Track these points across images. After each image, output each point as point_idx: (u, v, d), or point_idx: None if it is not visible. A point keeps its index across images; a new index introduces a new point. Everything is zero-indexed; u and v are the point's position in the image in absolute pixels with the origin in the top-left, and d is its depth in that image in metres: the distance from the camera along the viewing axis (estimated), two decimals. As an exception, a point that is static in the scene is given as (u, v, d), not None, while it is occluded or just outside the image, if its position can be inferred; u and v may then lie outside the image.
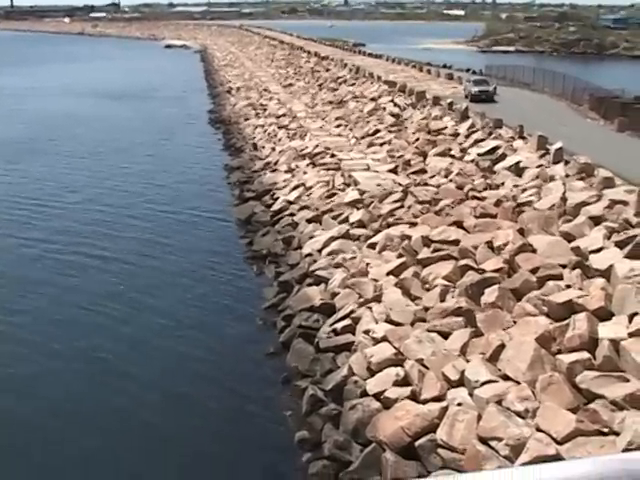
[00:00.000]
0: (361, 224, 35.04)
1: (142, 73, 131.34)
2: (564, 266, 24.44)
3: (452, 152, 43.03)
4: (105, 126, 77.82)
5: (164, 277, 34.48)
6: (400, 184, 38.95)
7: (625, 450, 15.90)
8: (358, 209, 36.87)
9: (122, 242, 39.17)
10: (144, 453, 21.35)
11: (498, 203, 31.88)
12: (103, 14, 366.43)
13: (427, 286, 26.64)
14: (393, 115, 56.94)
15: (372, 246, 32.12)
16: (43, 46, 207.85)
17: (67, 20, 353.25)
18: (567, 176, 33.39)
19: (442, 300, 25.07)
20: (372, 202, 36.95)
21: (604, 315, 21.11)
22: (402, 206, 35.64)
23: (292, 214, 40.33)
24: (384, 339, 23.69)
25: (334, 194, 40.73)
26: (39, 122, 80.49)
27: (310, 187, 43.44)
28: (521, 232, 27.91)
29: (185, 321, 29.89)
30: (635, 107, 49.53)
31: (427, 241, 29.75)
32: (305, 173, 47.19)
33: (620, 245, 24.44)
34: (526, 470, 1.84)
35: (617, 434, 17.12)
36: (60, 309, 31.14)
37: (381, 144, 49.97)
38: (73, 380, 25.40)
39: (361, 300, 27.22)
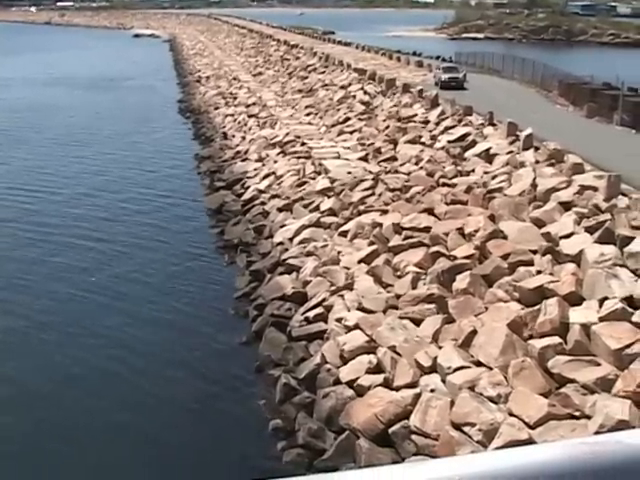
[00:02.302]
0: (332, 212, 35.05)
1: (111, 63, 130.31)
2: (535, 252, 24.55)
3: (422, 139, 43.06)
4: (74, 116, 77.19)
5: (134, 267, 34.29)
6: (371, 172, 38.97)
7: (596, 433, 16.01)
8: (329, 197, 36.86)
9: (91, 232, 38.90)
10: (116, 446, 21.25)
11: (469, 190, 31.92)
12: (70, 3, 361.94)
13: (399, 273, 26.69)
14: (363, 103, 56.88)
15: (343, 234, 32.14)
16: (10, 36, 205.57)
17: (33, 9, 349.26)
18: (537, 162, 33.49)
19: (414, 287, 25.14)
20: (343, 190, 36.93)
21: (575, 300, 21.24)
22: (373, 194, 35.66)
23: (263, 203, 40.27)
24: (356, 327, 23.73)
25: (305, 182, 40.69)
26: (7, 111, 79.62)
27: (281, 176, 43.37)
28: (492, 218, 27.99)
29: (156, 311, 29.76)
30: (604, 93, 49.77)
31: (398, 228, 29.78)
32: (275, 162, 47.10)
33: (590, 230, 24.57)
34: (498, 454, 1.83)
35: (589, 417, 17.27)
36: (22, 301, 30.91)
37: (351, 132, 49.93)
38: (38, 374, 25.27)
39: (333, 288, 27.24)
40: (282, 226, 35.70)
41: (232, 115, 67.49)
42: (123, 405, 23.07)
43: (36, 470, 20.25)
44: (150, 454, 20.86)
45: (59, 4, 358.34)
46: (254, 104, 68.80)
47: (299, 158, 45.57)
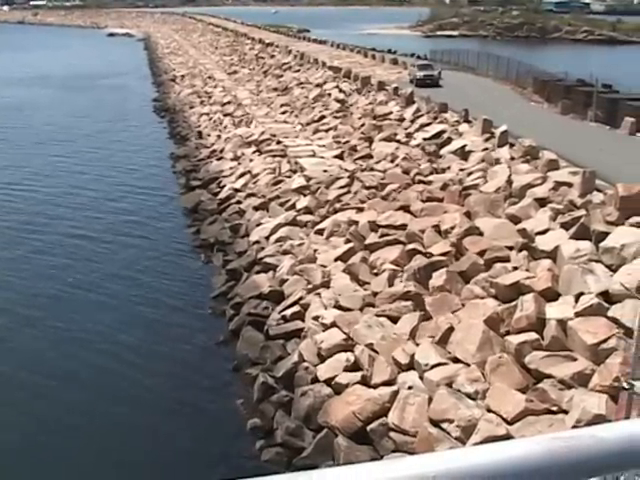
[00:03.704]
0: (308, 210, 35.05)
1: (85, 62, 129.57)
2: (511, 248, 24.65)
3: (398, 137, 43.14)
4: (49, 116, 76.72)
5: (111, 268, 34.11)
6: (346, 170, 39.00)
7: (574, 428, 16.09)
8: (305, 195, 36.85)
9: (67, 231, 38.68)
10: (93, 444, 21.15)
11: (444, 187, 32.03)
12: (43, 2, 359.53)
13: (375, 271, 26.71)
14: (338, 101, 56.93)
15: (320, 232, 32.14)
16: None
17: (6, 8, 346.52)
18: (512, 159, 33.64)
19: (390, 285, 25.17)
20: (319, 188, 36.94)
21: (551, 296, 21.34)
22: (349, 192, 35.69)
23: (239, 202, 40.22)
24: (333, 325, 23.76)
25: (280, 181, 40.67)
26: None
27: (256, 174, 43.33)
28: (468, 215, 28.09)
29: (133, 311, 29.64)
30: (578, 90, 50.02)
31: (374, 226, 29.82)
32: (251, 160, 47.04)
33: (565, 226, 24.70)
34: (475, 450, 1.83)
35: (566, 412, 17.35)
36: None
37: (327, 130, 49.95)
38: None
39: (310, 286, 27.24)
40: (258, 225, 35.66)
41: (207, 114, 67.37)
42: (100, 404, 22.96)
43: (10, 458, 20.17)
44: (127, 453, 20.76)
45: (32, 3, 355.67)
46: (229, 103, 68.72)
47: (275, 157, 45.54)
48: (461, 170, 34.35)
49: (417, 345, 21.48)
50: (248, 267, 31.71)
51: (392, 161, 38.55)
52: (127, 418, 22.42)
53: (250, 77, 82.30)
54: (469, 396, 18.77)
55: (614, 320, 19.39)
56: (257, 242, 33.67)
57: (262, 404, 22.10)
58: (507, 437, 16.84)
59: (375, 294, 25.00)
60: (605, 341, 18.74)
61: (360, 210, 32.63)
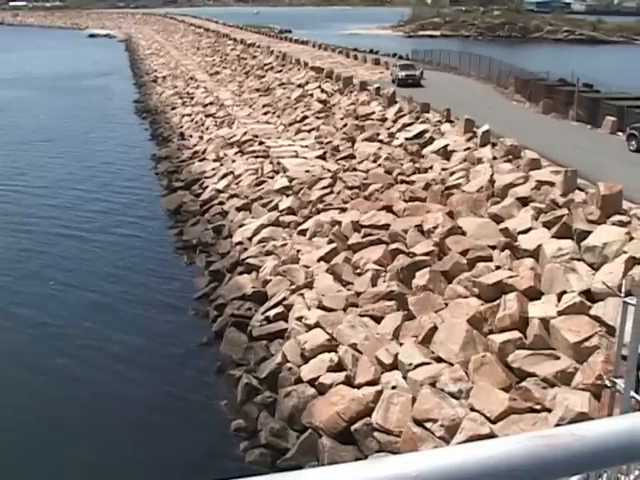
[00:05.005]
0: (291, 211, 35.06)
1: (67, 64, 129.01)
2: (493, 247, 24.72)
3: (380, 137, 43.15)
4: (29, 117, 76.38)
5: (93, 270, 33.96)
6: (329, 170, 39.00)
7: (557, 426, 16.14)
8: (287, 196, 36.85)
9: (48, 233, 38.51)
10: (79, 444, 21.06)
11: (427, 187, 32.07)
12: (23, 3, 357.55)
13: (358, 271, 26.72)
14: (321, 101, 56.90)
15: (302, 233, 32.14)
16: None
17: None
18: (494, 158, 33.71)
19: (374, 285, 25.19)
20: (301, 189, 36.92)
21: (534, 294, 21.41)
22: (331, 192, 35.70)
23: (221, 203, 40.17)
24: (317, 325, 23.76)
25: (263, 182, 40.63)
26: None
27: (239, 175, 43.27)
28: (450, 215, 28.12)
29: (116, 313, 29.51)
30: (560, 89, 50.21)
31: (357, 226, 29.83)
32: (234, 161, 46.99)
33: (548, 225, 24.79)
34: (457, 450, 1.82)
35: (549, 411, 17.40)
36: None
37: (309, 130, 49.92)
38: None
39: (293, 287, 27.23)
40: (241, 226, 35.62)
41: (189, 115, 67.22)
42: (82, 404, 22.87)
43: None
44: (110, 454, 20.68)
45: (11, 4, 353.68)
46: (211, 104, 68.59)
47: (257, 157, 45.51)
48: (443, 170, 34.40)
49: (400, 345, 21.51)
50: (231, 268, 31.67)
51: (375, 161, 38.57)
52: (109, 420, 22.33)
53: (232, 78, 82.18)
54: (453, 395, 18.80)
55: (596, 318, 19.49)
56: (240, 243, 33.64)
57: (246, 405, 22.08)
58: (491, 436, 16.86)
59: (358, 294, 25.01)
60: (588, 339, 18.82)
61: (343, 210, 32.65)
